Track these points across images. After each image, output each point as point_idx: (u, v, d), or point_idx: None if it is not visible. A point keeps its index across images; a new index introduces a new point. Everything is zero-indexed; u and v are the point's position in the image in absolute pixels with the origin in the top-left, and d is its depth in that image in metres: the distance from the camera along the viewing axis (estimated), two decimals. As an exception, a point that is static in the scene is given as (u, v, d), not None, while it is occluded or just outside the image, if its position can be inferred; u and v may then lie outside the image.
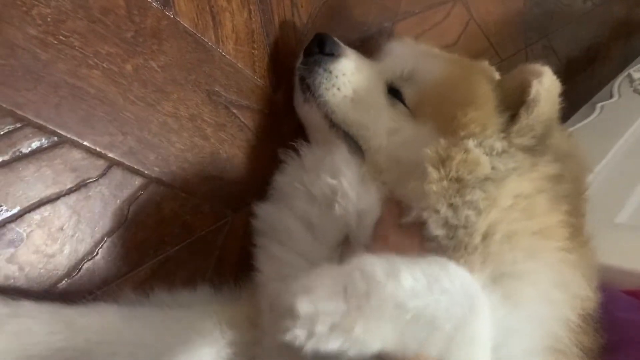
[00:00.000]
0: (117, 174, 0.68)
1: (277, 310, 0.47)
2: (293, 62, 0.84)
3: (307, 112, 0.80)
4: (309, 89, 0.78)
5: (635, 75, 1.53)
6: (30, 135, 0.60)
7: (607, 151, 1.20)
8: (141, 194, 0.70)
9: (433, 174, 0.65)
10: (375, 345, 0.46)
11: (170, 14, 0.69)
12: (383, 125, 0.75)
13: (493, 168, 0.68)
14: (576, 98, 1.54)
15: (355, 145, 0.75)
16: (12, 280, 0.60)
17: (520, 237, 0.66)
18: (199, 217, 0.77)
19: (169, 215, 0.74)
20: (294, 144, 0.77)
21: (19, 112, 0.58)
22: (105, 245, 0.68)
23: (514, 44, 1.40)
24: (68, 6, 0.60)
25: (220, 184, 0.79)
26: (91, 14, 0.62)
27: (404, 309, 0.47)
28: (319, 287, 0.45)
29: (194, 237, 0.77)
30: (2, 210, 0.58)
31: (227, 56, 0.77)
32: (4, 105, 0.57)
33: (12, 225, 0.60)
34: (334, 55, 0.79)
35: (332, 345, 0.44)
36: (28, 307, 0.57)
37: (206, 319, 0.71)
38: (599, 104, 1.43)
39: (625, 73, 1.58)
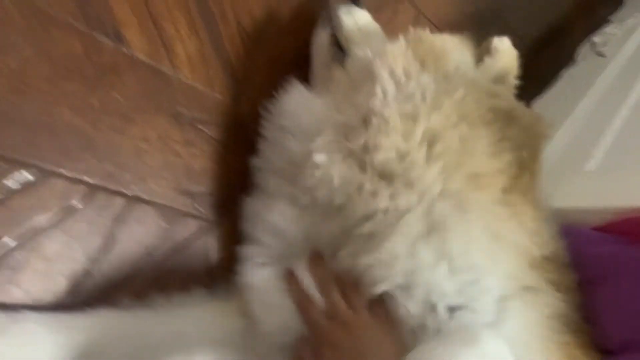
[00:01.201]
0: (99, 197, 0.75)
1: None
2: (249, 73, 0.92)
3: (318, 36, 0.95)
4: (330, 18, 0.93)
5: (597, 40, 1.59)
6: (12, 171, 0.68)
7: (573, 108, 1.25)
8: (125, 212, 0.78)
9: (402, 42, 0.79)
10: None
11: (124, 50, 0.78)
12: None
13: (456, 69, 0.79)
14: (542, 75, 1.58)
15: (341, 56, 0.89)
16: (19, 302, 0.67)
17: (456, 179, 0.71)
18: (183, 227, 0.84)
19: (155, 228, 0.81)
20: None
21: (1, 153, 0.67)
22: (99, 262, 0.75)
23: (468, 30, 1.47)
24: (31, 54, 0.69)
25: (199, 195, 0.86)
26: (52, 58, 0.71)
27: None
28: None
29: (181, 246, 0.84)
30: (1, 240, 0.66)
31: (185, 80, 0.85)
32: (-13, 148, 0.65)
33: (13, 253, 0.67)
34: (358, 5, 0.94)
35: None
36: (29, 314, 0.64)
37: (200, 312, 0.78)
38: (564, 72, 1.49)
39: (587, 42, 1.64)
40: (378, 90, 0.76)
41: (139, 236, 0.80)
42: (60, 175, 0.72)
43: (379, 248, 0.68)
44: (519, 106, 0.84)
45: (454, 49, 0.82)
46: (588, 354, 0.74)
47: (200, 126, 0.87)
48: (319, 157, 0.74)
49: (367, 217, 0.71)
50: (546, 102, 1.32)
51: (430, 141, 0.73)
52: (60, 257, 0.71)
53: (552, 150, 1.11)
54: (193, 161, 0.85)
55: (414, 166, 0.72)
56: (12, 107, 0.67)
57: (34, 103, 0.69)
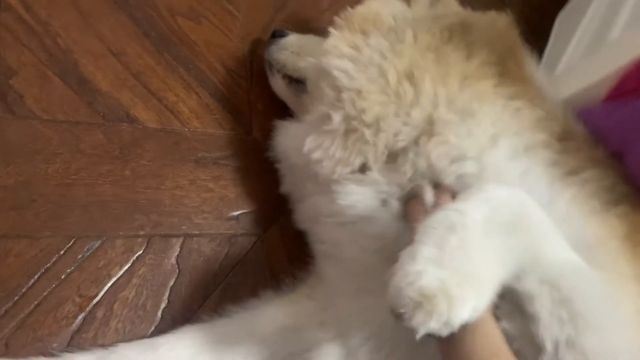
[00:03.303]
0: (156, 243, 0.91)
1: (399, 309, 0.49)
2: (252, 105, 1.06)
3: (274, 83, 1.04)
4: (271, 65, 1.02)
5: None
6: (82, 244, 0.86)
7: None
8: (182, 249, 0.93)
9: (334, 32, 0.86)
10: (495, 279, 0.53)
11: (139, 126, 0.96)
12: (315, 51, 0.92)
13: (395, 20, 0.84)
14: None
15: (302, 88, 0.95)
16: (114, 341, 0.84)
17: (451, 85, 0.76)
18: (237, 247, 0.97)
19: (212, 254, 0.95)
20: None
21: (68, 234, 0.86)
22: (173, 294, 0.90)
23: None
24: (68, 156, 0.89)
25: (242, 216, 0.99)
26: (84, 153, 0.90)
27: (491, 233, 0.55)
28: (424, 265, 0.50)
29: (242, 262, 0.97)
30: (89, 297, 0.84)
31: (197, 130, 1.01)
32: (58, 234, 0.85)
33: (98, 306, 0.84)
34: (282, 36, 1.03)
35: (470, 301, 0.49)
36: (123, 344, 0.79)
37: (271, 309, 0.89)
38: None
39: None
40: (337, 74, 0.82)
41: (202, 265, 0.94)
42: (119, 236, 0.89)
43: (440, 134, 0.74)
44: (469, 14, 0.87)
45: (381, 5, 0.88)
46: None
47: (223, 162, 1.01)
48: (315, 155, 0.82)
49: (398, 134, 0.77)
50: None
51: (408, 76, 0.78)
52: (140, 298, 0.87)
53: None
54: (226, 191, 0.99)
55: (404, 97, 0.77)
56: (66, 197, 0.87)
57: (80, 189, 0.88)
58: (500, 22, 0.87)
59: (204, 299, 0.91)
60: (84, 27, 0.98)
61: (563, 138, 0.77)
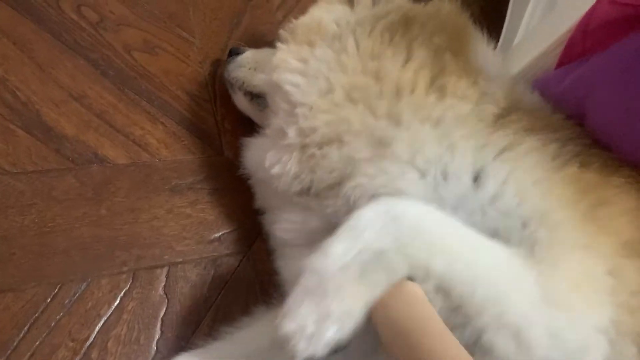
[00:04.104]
0: (142, 276, 0.92)
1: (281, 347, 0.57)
2: (218, 125, 1.07)
3: (237, 101, 1.05)
4: (231, 83, 1.03)
5: None
6: (68, 289, 0.87)
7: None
8: (168, 278, 0.94)
9: (280, 45, 0.87)
10: (359, 308, 0.57)
11: (108, 164, 0.97)
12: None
13: (337, 25, 0.85)
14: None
15: (264, 103, 0.95)
16: (114, 379, 0.85)
17: (382, 104, 0.77)
18: (222, 267, 0.98)
19: (198, 279, 0.95)
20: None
21: (53, 281, 0.87)
22: (165, 324, 0.90)
23: None
24: (42, 205, 0.90)
25: (223, 237, 1.00)
26: (58, 199, 0.91)
27: (350, 267, 0.58)
28: (288, 308, 0.57)
29: (230, 282, 0.98)
30: (81, 339, 0.85)
31: (167, 159, 1.02)
32: (42, 283, 0.86)
33: (92, 347, 0.85)
34: (238, 54, 1.04)
35: (331, 333, 0.55)
36: None
37: (261, 325, 0.89)
38: None
39: None
40: (289, 88, 0.83)
41: (191, 291, 0.95)
42: (103, 276, 0.90)
43: (355, 177, 0.75)
44: (412, 7, 0.87)
45: (323, 12, 0.89)
46: (605, 172, 0.71)
47: (198, 186, 1.02)
48: (274, 170, 0.84)
49: (332, 171, 0.79)
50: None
51: (349, 95, 0.80)
52: (132, 333, 0.88)
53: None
54: (204, 214, 1.00)
55: (344, 121, 0.79)
56: (45, 246, 0.88)
57: (59, 236, 0.89)
58: (444, 9, 0.86)
59: (197, 324, 0.92)
60: (42, 77, 0.99)
61: (502, 115, 0.76)
